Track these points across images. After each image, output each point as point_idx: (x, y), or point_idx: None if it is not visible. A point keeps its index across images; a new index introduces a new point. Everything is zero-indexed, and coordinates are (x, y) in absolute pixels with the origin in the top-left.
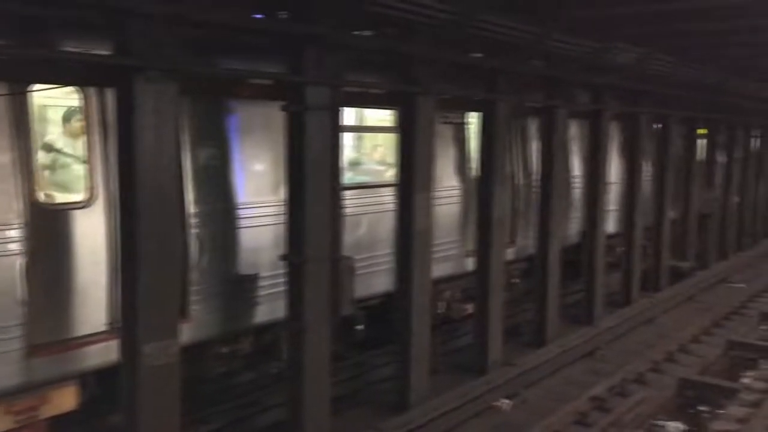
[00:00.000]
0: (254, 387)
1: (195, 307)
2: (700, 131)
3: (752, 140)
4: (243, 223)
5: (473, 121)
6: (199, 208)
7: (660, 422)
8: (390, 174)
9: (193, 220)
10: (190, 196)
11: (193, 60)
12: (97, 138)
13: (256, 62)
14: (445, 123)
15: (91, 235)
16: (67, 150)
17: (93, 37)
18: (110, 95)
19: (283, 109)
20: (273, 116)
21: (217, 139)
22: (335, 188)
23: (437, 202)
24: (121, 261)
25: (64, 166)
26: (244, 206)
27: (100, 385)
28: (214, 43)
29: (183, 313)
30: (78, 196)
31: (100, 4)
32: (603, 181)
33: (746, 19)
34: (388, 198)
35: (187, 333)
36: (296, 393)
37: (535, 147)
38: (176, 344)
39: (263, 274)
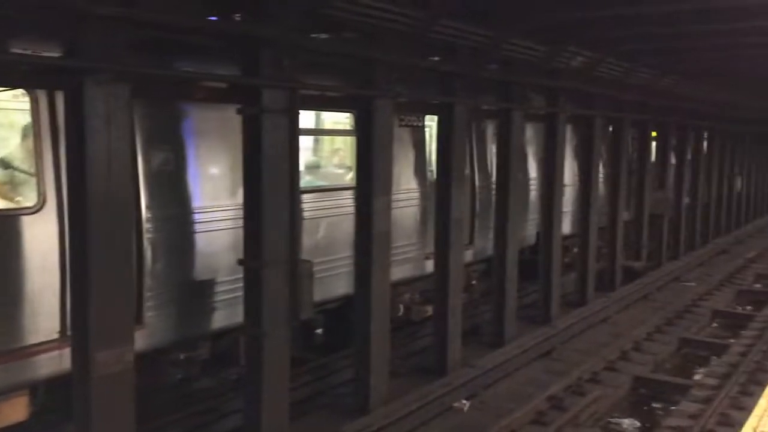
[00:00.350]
0: (213, 393)
1: (150, 314)
2: (653, 134)
3: (703, 143)
4: (199, 227)
5: (432, 124)
6: (153, 212)
7: (615, 420)
8: (349, 177)
9: (147, 225)
10: (144, 200)
11: (146, 62)
12: (46, 142)
13: (213, 64)
14: (404, 126)
15: (41, 241)
16: (15, 155)
17: (42, 38)
18: (60, 98)
19: (239, 112)
20: (229, 119)
21: (171, 142)
22: (293, 192)
23: (396, 204)
24: (72, 267)
25: (12, 171)
26: (200, 210)
27: (51, 395)
28: (167, 45)
29: (137, 319)
30: (27, 202)
31: (50, 4)
32: (559, 183)
33: (695, 25)
34: (347, 201)
35: (142, 340)
36: (255, 399)
37: (492, 149)
38: (130, 351)
39: (221, 279)
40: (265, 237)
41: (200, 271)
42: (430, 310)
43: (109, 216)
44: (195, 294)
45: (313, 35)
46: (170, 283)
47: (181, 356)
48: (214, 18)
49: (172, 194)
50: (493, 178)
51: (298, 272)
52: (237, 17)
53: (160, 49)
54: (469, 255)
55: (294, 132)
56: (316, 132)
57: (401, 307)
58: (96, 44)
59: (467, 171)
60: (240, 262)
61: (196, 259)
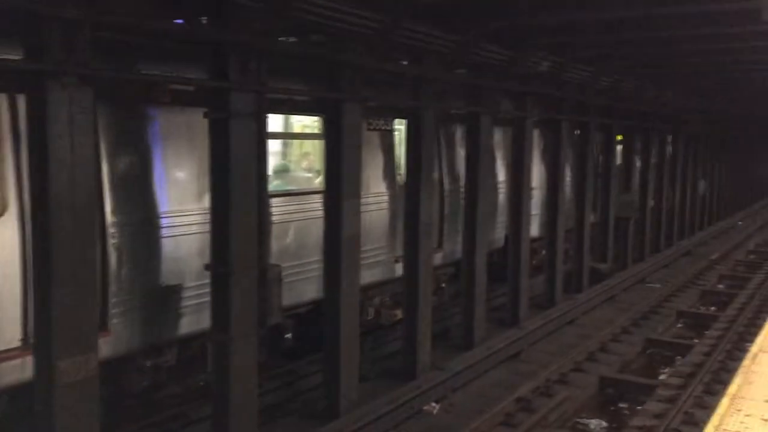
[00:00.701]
0: (180, 400)
1: (115, 320)
2: (618, 137)
3: (667, 146)
4: (165, 232)
5: (401, 128)
6: (118, 218)
7: (583, 420)
8: (319, 181)
9: (112, 230)
10: (108, 205)
11: (111, 65)
12: (7, 146)
13: (180, 68)
14: (373, 130)
15: (2, 247)
16: None
17: (2, 40)
18: (22, 101)
19: (206, 116)
20: (196, 123)
21: (137, 146)
22: (262, 196)
23: (365, 208)
24: (35, 274)
25: None
26: (167, 215)
27: (14, 404)
28: (133, 48)
29: (102, 326)
30: None
31: (11, 6)
32: (527, 186)
33: (658, 31)
34: (316, 205)
35: (106, 347)
36: (222, 405)
37: (461, 153)
38: (95, 359)
39: (188, 284)
40: (232, 242)
41: (167, 277)
42: (399, 313)
43: (73, 221)
44: (162, 300)
45: (281, 39)
46: (136, 289)
47: (148, 363)
48: (180, 21)
49: (137, 199)
50: (462, 182)
51: (266, 277)
52: (204, 21)
53: (125, 52)
54: (438, 258)
55: (262, 136)
56: (285, 136)
57: (371, 310)
58: (59, 47)
59: (436, 175)
60: (207, 267)
61: (163, 264)
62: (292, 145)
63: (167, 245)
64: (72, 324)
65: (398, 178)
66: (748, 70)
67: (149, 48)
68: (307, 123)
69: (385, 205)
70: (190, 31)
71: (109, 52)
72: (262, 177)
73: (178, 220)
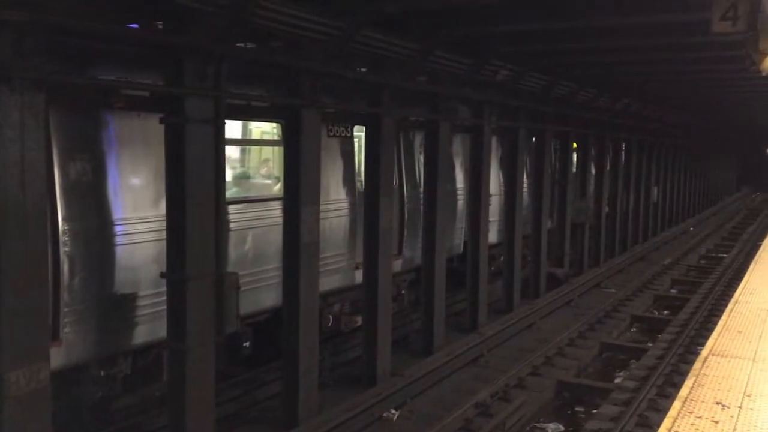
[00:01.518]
0: (135, 411)
1: (67, 330)
2: (574, 145)
3: (621, 154)
4: (120, 239)
5: (361, 134)
6: (71, 224)
7: (540, 425)
8: (278, 187)
9: (64, 238)
10: (61, 212)
11: (63, 70)
12: None
13: (135, 72)
14: (333, 136)
15: None
16: None
17: None
18: None
19: (162, 121)
20: (153, 128)
21: (91, 151)
22: (219, 203)
23: (325, 215)
24: None
25: None
26: (121, 222)
27: None
28: (86, 53)
29: (54, 335)
30: None
31: None
32: (485, 193)
33: (612, 41)
34: (275, 212)
35: (58, 357)
36: (179, 416)
37: (421, 160)
38: (46, 369)
39: (143, 292)
40: (189, 249)
41: (122, 285)
42: (359, 320)
43: (23, 228)
44: (116, 308)
45: (240, 44)
46: (90, 298)
47: (102, 373)
48: (134, 25)
49: (91, 205)
50: (422, 189)
51: (223, 285)
52: (159, 25)
53: (78, 56)
54: (398, 265)
55: (219, 142)
56: (244, 142)
57: (330, 317)
58: (8, 51)
59: (396, 181)
60: (163, 275)
61: (118, 272)
62: (251, 152)
63: (122, 252)
64: (22, 333)
65: (358, 184)
66: (697, 80)
67: (104, 53)
68: (266, 129)
69: (344, 212)
70: (145, 35)
71: (62, 57)
72: (219, 183)
73: (133, 227)
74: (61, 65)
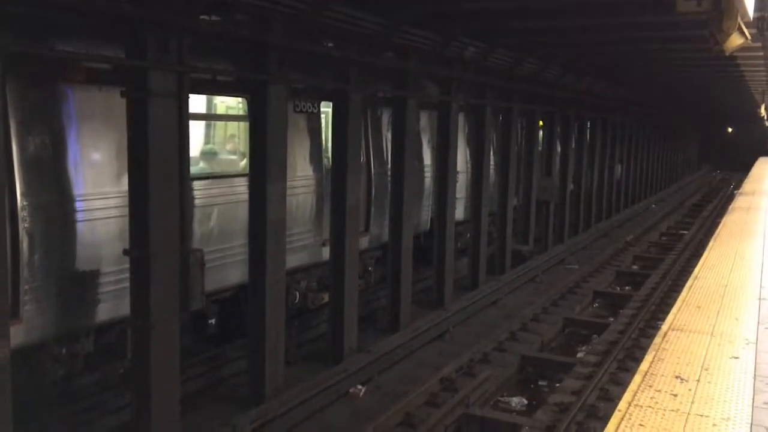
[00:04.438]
0: (98, 389)
1: (27, 307)
2: (540, 123)
3: (586, 132)
4: (81, 215)
5: (328, 110)
6: (30, 200)
7: (504, 399)
8: (244, 164)
9: (23, 214)
10: (19, 187)
11: (19, 41)
12: None
13: (96, 45)
14: (300, 112)
15: None
16: None
17: None
18: None
19: (123, 95)
20: (115, 102)
21: (51, 126)
22: (183, 179)
23: (292, 191)
24: None
25: None
26: (83, 198)
27: None
28: (44, 24)
29: (14, 313)
30: None
31: None
32: (452, 170)
33: (577, 19)
34: (241, 188)
35: (18, 335)
36: (143, 394)
37: (388, 137)
38: (6, 348)
39: (105, 269)
40: (152, 226)
41: (84, 262)
42: (326, 297)
43: None
44: (78, 285)
45: (204, 17)
46: (50, 275)
47: (63, 351)
48: None
49: (51, 181)
50: (389, 165)
51: (188, 261)
52: None
53: (36, 27)
54: (365, 242)
55: (183, 117)
56: (209, 117)
57: (297, 294)
58: None
59: (363, 158)
60: (126, 252)
61: (79, 248)
62: (217, 127)
63: (84, 229)
64: None
65: (325, 161)
66: (662, 59)
67: (64, 24)
68: (232, 104)
69: (311, 189)
70: (106, 7)
71: (19, 28)
72: (183, 159)
73: (95, 203)
74: (18, 36)
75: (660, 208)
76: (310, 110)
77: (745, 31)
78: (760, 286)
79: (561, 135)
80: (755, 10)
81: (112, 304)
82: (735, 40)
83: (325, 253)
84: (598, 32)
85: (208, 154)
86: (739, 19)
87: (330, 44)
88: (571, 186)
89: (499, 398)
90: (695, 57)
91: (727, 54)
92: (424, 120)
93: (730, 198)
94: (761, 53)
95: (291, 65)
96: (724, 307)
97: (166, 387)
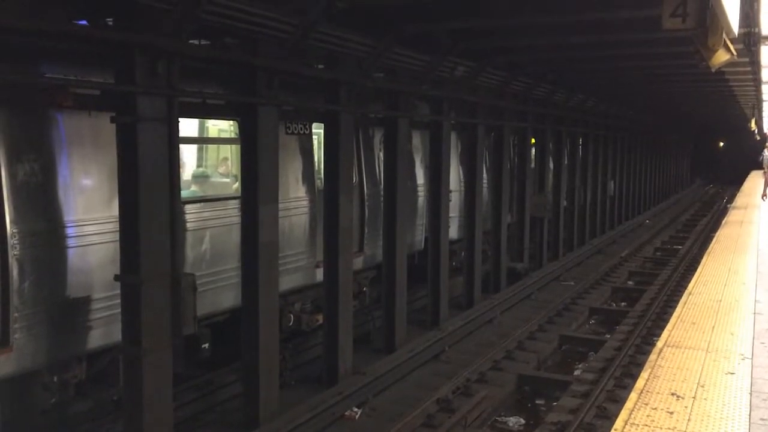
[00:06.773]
0: (89, 417)
1: (18, 335)
2: (532, 141)
3: (579, 149)
4: (72, 242)
5: (320, 131)
6: (20, 227)
7: (502, 418)
8: (236, 186)
9: (13, 241)
10: (9, 214)
11: (10, 68)
12: None
13: (86, 70)
14: (291, 134)
15: None
16: None
17: None
18: None
19: (113, 120)
20: (105, 127)
21: (41, 152)
22: (174, 203)
23: (284, 213)
24: None
25: None
26: (73, 224)
27: None
28: (33, 50)
29: (4, 341)
30: None
31: None
32: (445, 189)
33: (566, 37)
34: (233, 211)
35: (8, 363)
36: (135, 421)
37: (380, 157)
38: None
39: (97, 295)
40: (143, 251)
41: (74, 288)
42: (320, 318)
43: None
44: (69, 312)
45: (193, 41)
46: (41, 302)
47: (54, 378)
48: (83, 22)
49: (41, 207)
50: (382, 185)
51: (180, 286)
52: (109, 21)
53: (24, 53)
54: (359, 262)
55: (173, 140)
56: (200, 140)
57: (291, 316)
58: None
59: (356, 178)
60: (117, 277)
61: (70, 275)
62: (209, 150)
63: (75, 255)
64: None
65: (318, 182)
66: (651, 76)
67: (52, 50)
68: (223, 127)
69: (304, 210)
70: (94, 32)
71: (6, 55)
72: (174, 183)
73: (85, 229)
74: (6, 63)
75: (654, 223)
76: (301, 132)
77: (731, 47)
78: (755, 301)
79: (553, 152)
80: (741, 26)
81: (104, 330)
82: (721, 56)
83: (319, 274)
84: (586, 50)
85: (200, 177)
86: (724, 35)
87: (320, 66)
88: (564, 203)
89: (497, 418)
90: (685, 73)
91: (713, 70)
92: (417, 139)
93: (724, 212)
94: (749, 68)
95: (281, 87)
96: (719, 323)
97: (159, 413)
